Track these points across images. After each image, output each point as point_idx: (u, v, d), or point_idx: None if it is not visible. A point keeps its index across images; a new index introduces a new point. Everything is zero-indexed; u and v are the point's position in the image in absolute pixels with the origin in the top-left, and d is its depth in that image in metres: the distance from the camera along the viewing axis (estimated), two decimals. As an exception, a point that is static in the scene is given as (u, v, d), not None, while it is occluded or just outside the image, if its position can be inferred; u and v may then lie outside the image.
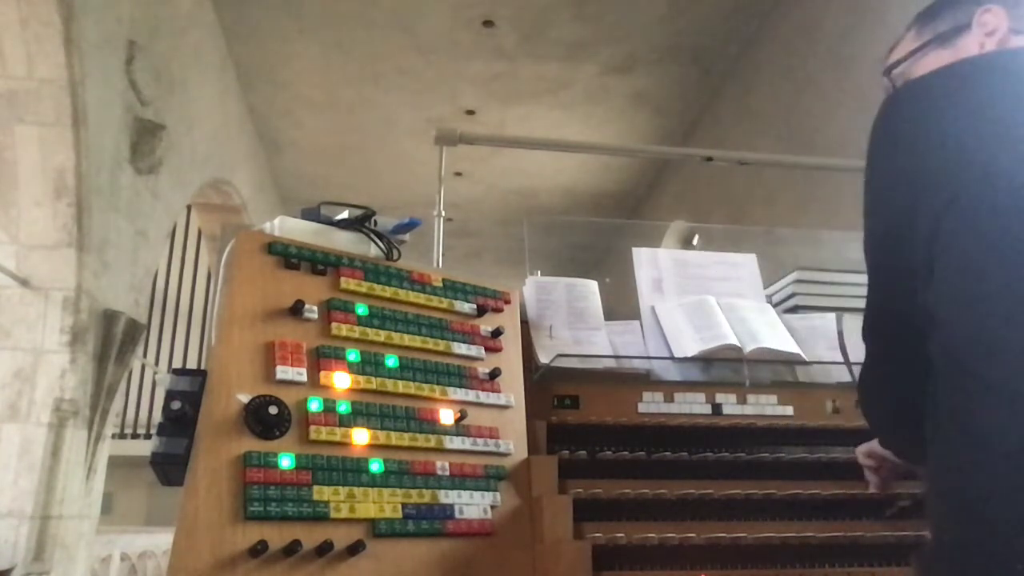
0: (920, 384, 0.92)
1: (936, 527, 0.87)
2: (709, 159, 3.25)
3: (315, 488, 1.23)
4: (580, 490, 1.44)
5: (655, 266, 1.96)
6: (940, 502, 0.87)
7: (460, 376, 1.50)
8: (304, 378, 1.31)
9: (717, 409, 1.73)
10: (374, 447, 1.33)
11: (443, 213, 2.55)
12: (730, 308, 1.86)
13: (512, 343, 1.61)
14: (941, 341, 0.88)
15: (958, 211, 0.87)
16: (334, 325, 1.38)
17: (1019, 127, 0.89)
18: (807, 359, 1.82)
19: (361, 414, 1.34)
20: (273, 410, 1.24)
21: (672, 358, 1.80)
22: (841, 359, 1.81)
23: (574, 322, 1.83)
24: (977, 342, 0.84)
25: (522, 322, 1.71)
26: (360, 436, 1.32)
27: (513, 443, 1.49)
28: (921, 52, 1.13)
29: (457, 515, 1.35)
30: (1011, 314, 0.82)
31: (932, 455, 0.89)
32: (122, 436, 7.29)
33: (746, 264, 2.03)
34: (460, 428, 1.44)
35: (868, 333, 1.05)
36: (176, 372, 1.29)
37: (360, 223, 1.52)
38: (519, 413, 1.54)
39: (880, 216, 1.00)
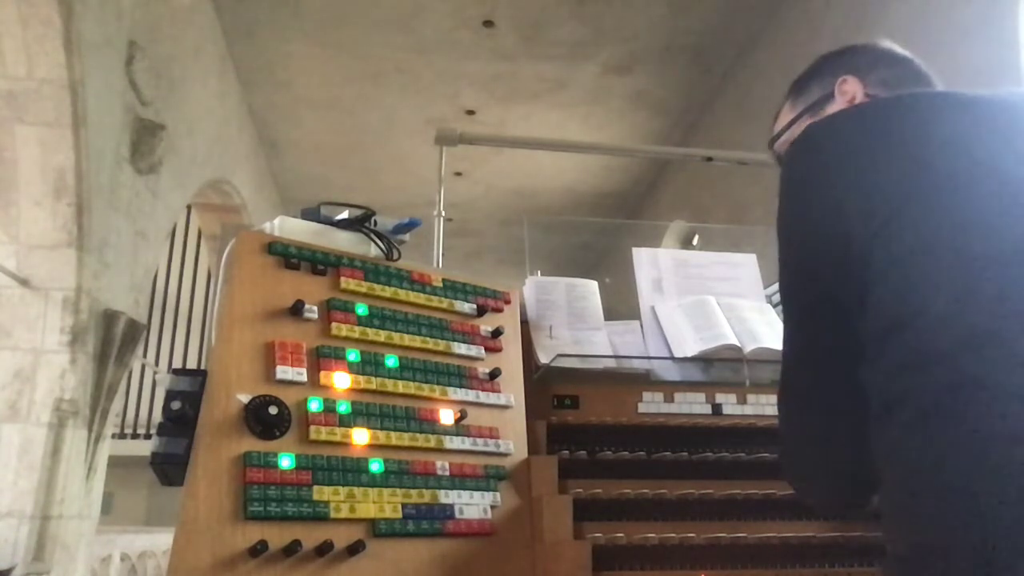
0: (863, 420, 0.91)
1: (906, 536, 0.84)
2: (709, 159, 3.26)
3: (315, 488, 1.23)
4: (580, 490, 1.44)
5: (655, 266, 1.96)
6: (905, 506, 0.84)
7: (460, 376, 1.49)
8: (304, 378, 1.31)
9: (717, 409, 1.72)
10: (374, 447, 1.32)
11: (443, 213, 2.55)
12: (730, 308, 1.85)
13: (512, 343, 1.61)
14: (884, 366, 0.87)
15: (890, 235, 0.88)
16: (334, 325, 1.38)
17: (923, 151, 0.92)
18: (807, 359, 1.82)
19: (361, 414, 1.34)
20: (273, 410, 1.24)
21: (672, 358, 1.80)
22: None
23: (574, 322, 1.83)
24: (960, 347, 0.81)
25: (522, 322, 1.71)
26: (360, 436, 1.32)
27: (513, 443, 1.49)
28: (797, 122, 1.24)
29: (457, 515, 1.35)
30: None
31: (888, 480, 0.86)
32: (122, 436, 7.30)
33: (746, 264, 2.03)
34: (460, 428, 1.44)
35: (796, 373, 1.02)
36: (176, 372, 1.29)
37: (360, 223, 1.52)
38: (519, 413, 1.54)
39: (800, 254, 1.00)
